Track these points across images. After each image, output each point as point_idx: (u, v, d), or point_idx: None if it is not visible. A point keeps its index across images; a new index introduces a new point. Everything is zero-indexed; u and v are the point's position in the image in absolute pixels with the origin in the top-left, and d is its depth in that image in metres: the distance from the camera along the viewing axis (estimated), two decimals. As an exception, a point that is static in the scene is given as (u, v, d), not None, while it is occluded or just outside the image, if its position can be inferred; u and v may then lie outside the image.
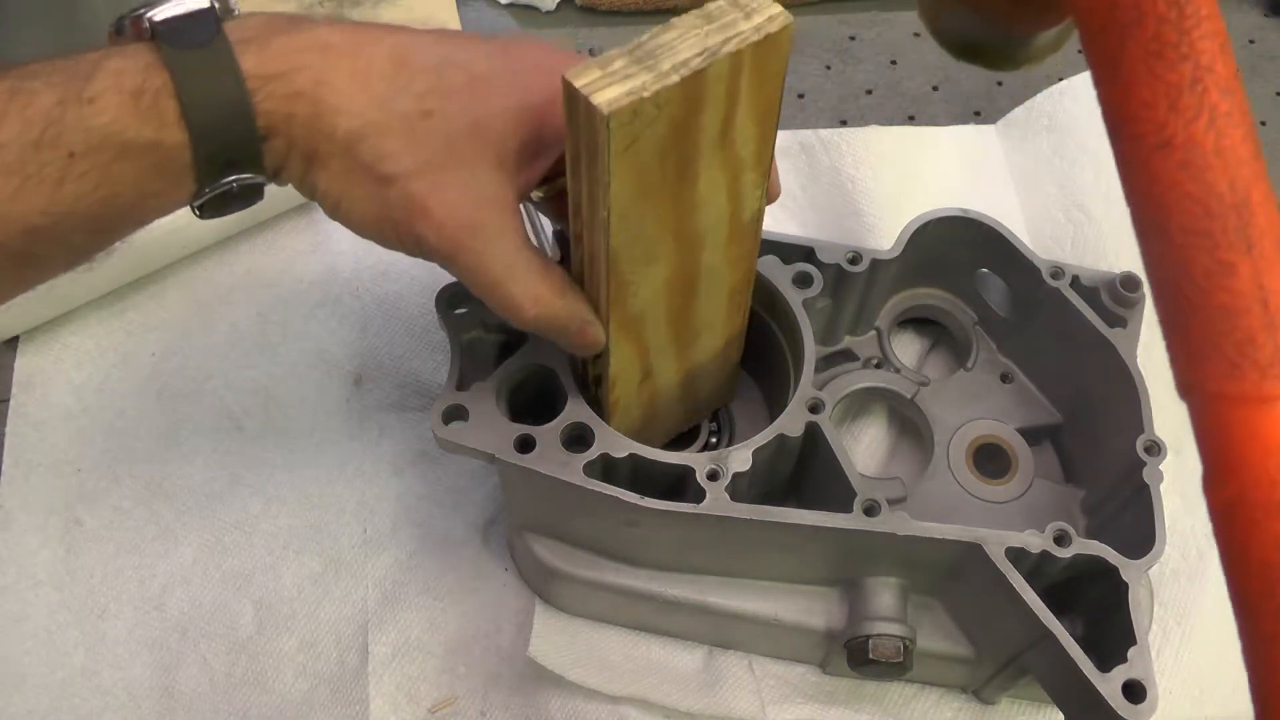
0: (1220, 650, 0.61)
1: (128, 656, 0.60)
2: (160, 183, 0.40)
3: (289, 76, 0.40)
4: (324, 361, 0.69)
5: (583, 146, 0.40)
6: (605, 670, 0.58)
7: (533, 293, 0.45)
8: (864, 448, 0.66)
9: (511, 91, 0.43)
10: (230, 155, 0.40)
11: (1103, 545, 0.51)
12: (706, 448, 0.61)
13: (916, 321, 0.68)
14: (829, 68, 0.85)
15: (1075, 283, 0.60)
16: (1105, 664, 0.48)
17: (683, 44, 0.39)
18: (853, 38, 0.87)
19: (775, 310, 0.58)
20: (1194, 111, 0.28)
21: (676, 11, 0.39)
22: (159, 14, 0.39)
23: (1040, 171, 0.76)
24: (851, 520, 0.51)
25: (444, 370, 0.64)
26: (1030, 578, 0.50)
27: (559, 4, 0.86)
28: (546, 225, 0.58)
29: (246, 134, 0.40)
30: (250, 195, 0.43)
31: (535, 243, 0.48)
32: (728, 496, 0.51)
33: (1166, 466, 0.54)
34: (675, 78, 0.38)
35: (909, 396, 0.63)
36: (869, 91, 0.84)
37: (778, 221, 0.52)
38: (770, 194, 0.49)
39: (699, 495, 0.51)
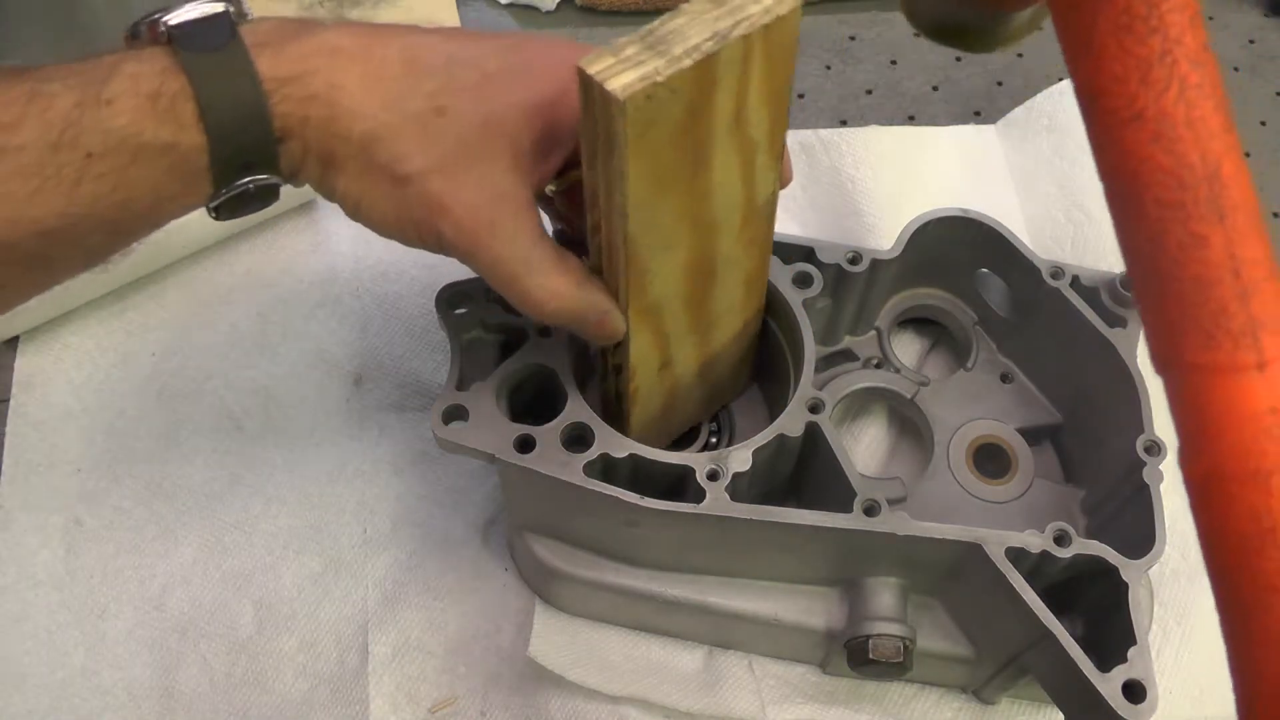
0: (1221, 650, 0.61)
1: (128, 656, 0.60)
2: (177, 184, 0.40)
3: (303, 80, 0.40)
4: (324, 361, 0.69)
5: (599, 134, 0.40)
6: (605, 670, 0.58)
7: (551, 286, 0.45)
8: (864, 448, 0.66)
9: (523, 87, 0.43)
10: (247, 157, 0.41)
11: (1103, 545, 0.51)
12: (706, 448, 0.61)
13: (916, 321, 0.68)
14: (829, 68, 0.85)
15: (1075, 283, 0.60)
16: (1105, 664, 0.48)
17: (693, 29, 0.39)
18: (853, 38, 0.87)
19: (775, 310, 0.58)
20: (1164, 84, 0.28)
21: (676, 11, 0.39)
22: (175, 18, 0.40)
23: (1040, 171, 0.76)
24: (851, 520, 0.51)
25: (444, 370, 0.64)
26: (1030, 578, 0.50)
27: (559, 4, 0.86)
28: (546, 225, 0.58)
29: (263, 136, 0.40)
30: (266, 196, 0.43)
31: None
32: (728, 496, 0.51)
33: (1166, 466, 0.54)
34: (688, 62, 0.38)
35: (909, 396, 0.63)
36: (869, 91, 0.84)
37: (778, 221, 0.52)
38: (783, 178, 0.49)
39: (699, 495, 0.51)
